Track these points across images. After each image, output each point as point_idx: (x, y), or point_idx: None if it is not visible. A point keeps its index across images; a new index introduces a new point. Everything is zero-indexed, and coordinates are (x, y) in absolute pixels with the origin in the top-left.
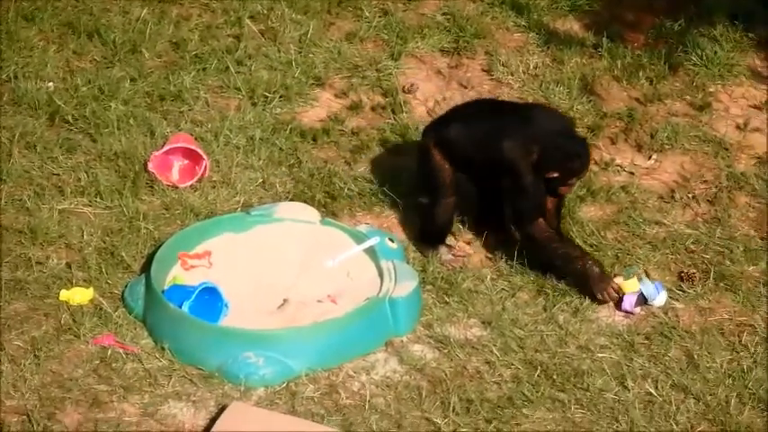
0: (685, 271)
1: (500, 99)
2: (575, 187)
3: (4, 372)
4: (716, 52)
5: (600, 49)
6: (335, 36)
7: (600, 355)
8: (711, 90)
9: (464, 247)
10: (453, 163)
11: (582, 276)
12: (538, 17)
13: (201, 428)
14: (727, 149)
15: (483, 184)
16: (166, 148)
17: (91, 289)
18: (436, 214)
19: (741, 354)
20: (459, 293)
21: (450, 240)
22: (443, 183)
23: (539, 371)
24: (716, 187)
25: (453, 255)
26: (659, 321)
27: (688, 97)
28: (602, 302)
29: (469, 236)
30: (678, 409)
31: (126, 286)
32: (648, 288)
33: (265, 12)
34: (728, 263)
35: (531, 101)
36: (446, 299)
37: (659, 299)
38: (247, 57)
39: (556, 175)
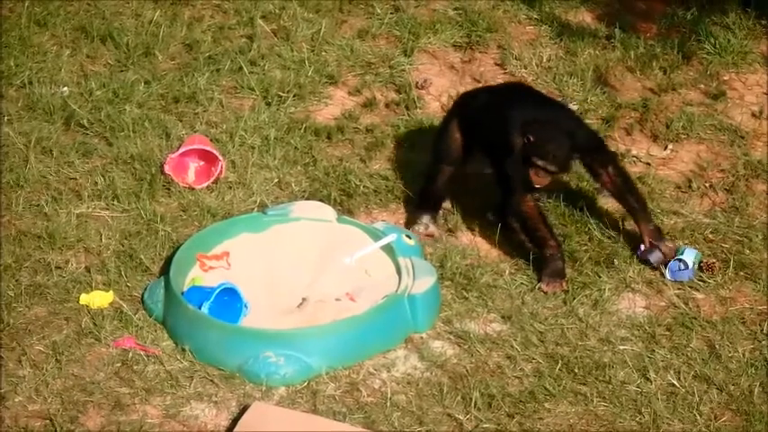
0: (705, 261)
1: (531, 88)
2: (545, 182)
3: (27, 376)
4: (729, 40)
5: (612, 40)
6: (348, 34)
7: (621, 347)
8: (725, 78)
9: (433, 230)
10: (466, 134)
11: (544, 262)
12: (549, 9)
13: (224, 429)
14: (743, 137)
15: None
16: (182, 149)
17: (110, 292)
18: (431, 177)
19: (763, 343)
20: (478, 288)
21: (431, 219)
22: (448, 149)
23: (560, 364)
24: (733, 176)
25: (423, 230)
26: (680, 312)
27: (702, 86)
28: (545, 293)
29: (456, 222)
30: (701, 399)
31: (145, 289)
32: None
33: (277, 11)
34: (748, 251)
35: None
36: (465, 294)
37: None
38: (260, 57)
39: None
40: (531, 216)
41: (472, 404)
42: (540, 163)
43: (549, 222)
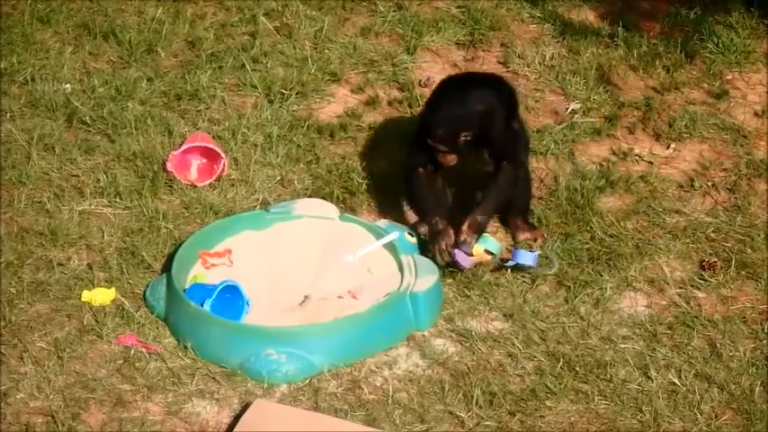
0: (706, 260)
1: (497, 75)
2: (449, 161)
3: (29, 373)
4: (732, 39)
5: (615, 39)
6: (350, 31)
7: (622, 345)
8: (728, 77)
9: (423, 230)
10: None
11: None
12: (552, 8)
13: (225, 426)
14: (745, 137)
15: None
16: (184, 147)
17: (112, 289)
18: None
19: (764, 342)
20: (480, 286)
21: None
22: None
23: (561, 363)
24: (735, 175)
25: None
26: (681, 311)
27: (705, 85)
28: (434, 257)
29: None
30: (702, 398)
31: (147, 286)
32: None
33: (280, 8)
34: (749, 251)
35: (546, 87)
36: (467, 292)
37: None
38: (263, 54)
39: None
40: (421, 185)
41: (473, 402)
42: (430, 143)
43: (439, 197)
